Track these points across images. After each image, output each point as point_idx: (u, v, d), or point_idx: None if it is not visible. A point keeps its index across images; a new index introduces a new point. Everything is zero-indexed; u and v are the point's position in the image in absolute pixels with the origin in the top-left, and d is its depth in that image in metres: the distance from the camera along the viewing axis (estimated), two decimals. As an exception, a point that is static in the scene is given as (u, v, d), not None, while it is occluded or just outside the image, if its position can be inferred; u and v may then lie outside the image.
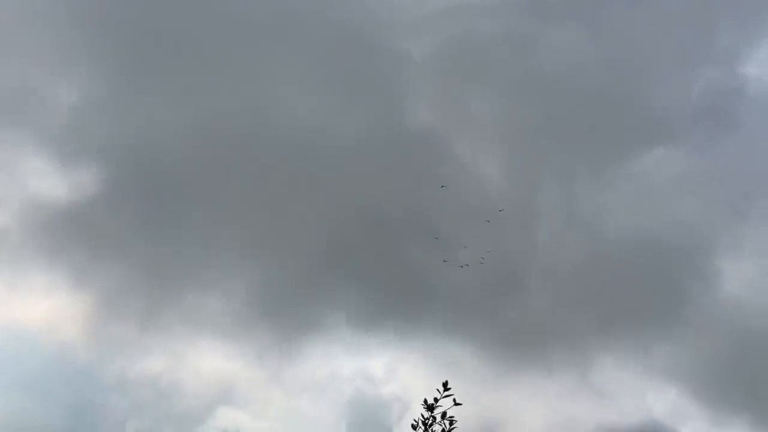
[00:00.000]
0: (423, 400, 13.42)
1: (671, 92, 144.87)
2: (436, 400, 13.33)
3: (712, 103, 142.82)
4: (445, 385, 13.32)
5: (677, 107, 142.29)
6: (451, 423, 13.24)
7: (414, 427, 13.27)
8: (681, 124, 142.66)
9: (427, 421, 13.28)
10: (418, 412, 13.43)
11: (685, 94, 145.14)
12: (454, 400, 13.18)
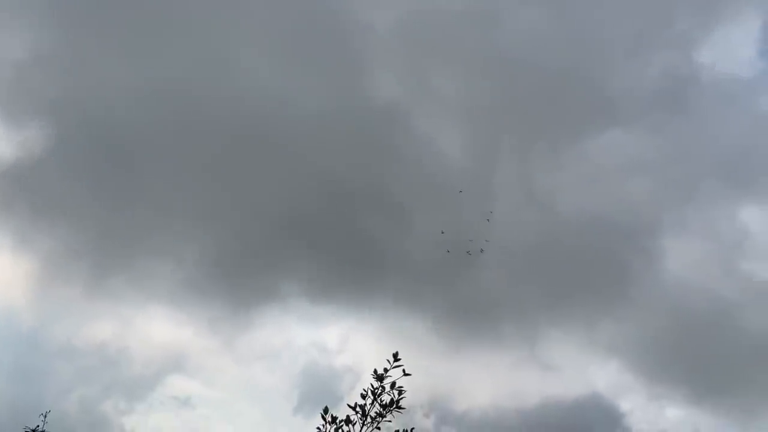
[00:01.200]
0: (373, 370, 13.60)
1: (628, 75, 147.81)
2: (386, 370, 13.51)
3: (667, 88, 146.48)
4: (395, 356, 13.51)
5: (633, 90, 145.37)
6: (399, 393, 13.46)
7: (363, 396, 13.45)
8: (635, 108, 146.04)
9: (376, 390, 13.47)
10: (370, 382, 13.62)
11: (641, 77, 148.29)
12: (404, 370, 13.39)
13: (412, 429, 13.54)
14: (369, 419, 13.34)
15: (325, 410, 13.31)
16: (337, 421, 13.25)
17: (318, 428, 13.22)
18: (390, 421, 13.42)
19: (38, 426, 17.64)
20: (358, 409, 13.35)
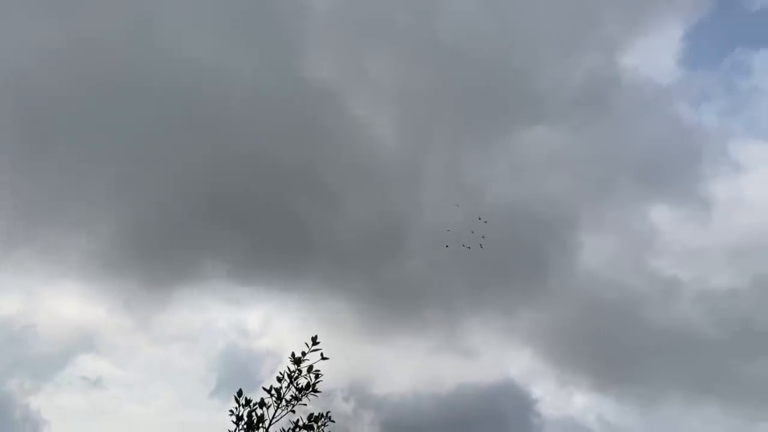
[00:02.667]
0: (291, 353, 13.40)
1: (556, 74, 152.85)
2: (303, 354, 13.34)
3: (591, 88, 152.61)
4: (314, 339, 13.35)
5: (559, 89, 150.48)
6: (316, 376, 13.32)
7: (279, 379, 13.23)
8: (561, 106, 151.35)
9: (292, 374, 13.28)
10: (287, 365, 13.42)
11: (568, 77, 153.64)
12: (322, 354, 13.25)
13: (328, 413, 13.45)
14: (284, 402, 13.14)
15: (239, 393, 13.04)
16: (251, 404, 12.98)
17: (231, 411, 12.92)
18: (305, 405, 13.27)
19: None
20: (273, 392, 13.13)
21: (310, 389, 13.27)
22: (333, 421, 13.42)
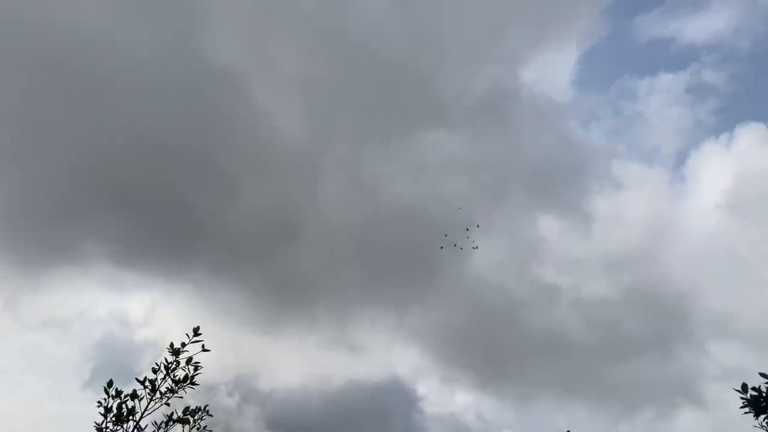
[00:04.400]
0: (169, 344, 12.90)
1: (459, 82, 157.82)
2: (183, 345, 12.88)
3: (491, 98, 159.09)
4: (195, 330, 12.92)
5: (461, 96, 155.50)
6: (195, 369, 12.89)
7: (155, 371, 12.66)
8: (461, 113, 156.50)
9: (170, 365, 12.76)
10: (164, 356, 12.89)
11: (470, 86, 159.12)
12: (203, 346, 12.86)
13: (206, 406, 13.08)
14: (158, 395, 12.59)
15: (110, 384, 12.35)
16: (122, 395, 12.32)
17: (99, 402, 12.20)
18: (181, 397, 12.79)
19: None
20: (147, 383, 12.54)
21: (188, 382, 12.82)
22: (211, 415, 13.04)
